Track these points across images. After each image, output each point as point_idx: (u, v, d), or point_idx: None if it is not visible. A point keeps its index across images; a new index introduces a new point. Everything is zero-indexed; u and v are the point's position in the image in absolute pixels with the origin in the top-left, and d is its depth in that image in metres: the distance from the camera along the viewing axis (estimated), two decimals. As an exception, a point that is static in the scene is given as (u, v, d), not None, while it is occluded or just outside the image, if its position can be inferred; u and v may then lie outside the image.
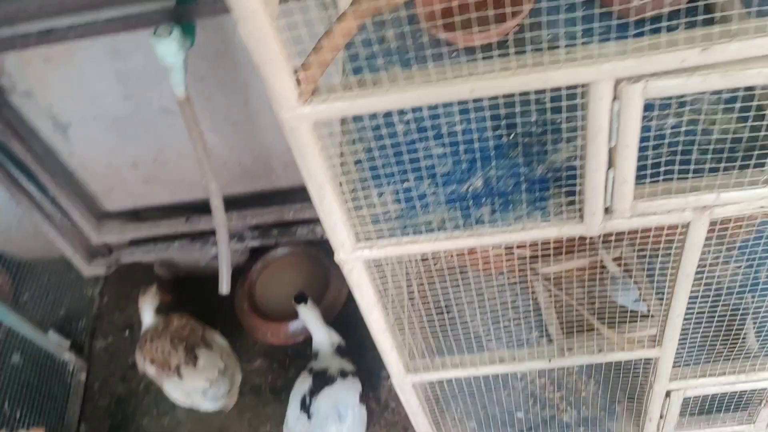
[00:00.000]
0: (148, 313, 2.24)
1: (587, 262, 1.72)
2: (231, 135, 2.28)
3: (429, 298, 1.67)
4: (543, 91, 1.10)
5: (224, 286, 2.18)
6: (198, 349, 2.15)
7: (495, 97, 0.96)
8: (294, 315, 2.29)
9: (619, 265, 1.70)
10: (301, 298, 2.06)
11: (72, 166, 2.40)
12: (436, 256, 1.83)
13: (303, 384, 2.02)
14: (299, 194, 2.53)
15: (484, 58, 0.86)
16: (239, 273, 2.51)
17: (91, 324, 2.67)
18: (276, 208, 2.45)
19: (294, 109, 0.88)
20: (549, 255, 1.81)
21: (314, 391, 1.98)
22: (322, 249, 2.52)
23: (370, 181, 1.13)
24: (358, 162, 1.13)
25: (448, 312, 1.61)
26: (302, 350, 2.37)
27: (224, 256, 2.11)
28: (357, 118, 1.13)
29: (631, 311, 1.59)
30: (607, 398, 1.83)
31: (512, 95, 1.01)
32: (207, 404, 2.18)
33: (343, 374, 2.02)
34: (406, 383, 1.52)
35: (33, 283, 2.71)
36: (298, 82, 0.86)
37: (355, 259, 1.15)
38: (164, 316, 2.24)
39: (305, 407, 1.96)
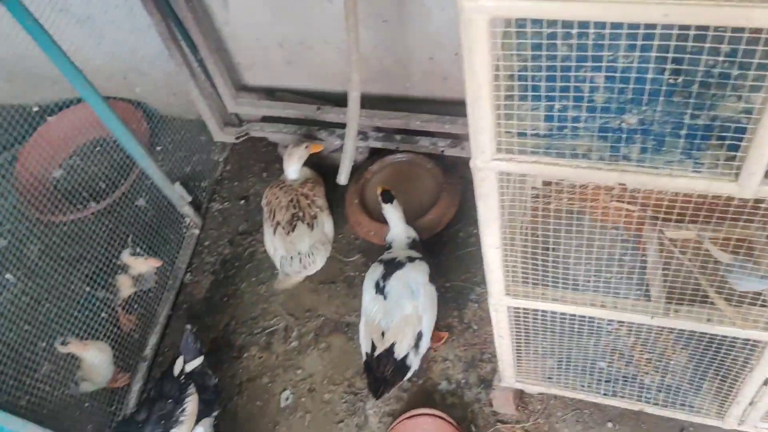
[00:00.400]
0: (293, 167, 2.43)
1: (720, 234, 1.64)
2: (379, 32, 2.29)
3: (540, 231, 1.66)
4: (723, 34, 1.03)
5: (343, 177, 2.26)
6: (300, 223, 2.32)
7: (668, 33, 0.91)
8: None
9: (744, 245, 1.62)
10: (388, 198, 2.19)
11: (224, 33, 2.50)
12: (558, 192, 1.81)
13: (375, 271, 2.16)
14: (429, 105, 2.54)
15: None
16: (355, 169, 2.57)
17: (211, 186, 2.84)
18: (404, 115, 2.47)
19: (477, 0, 0.88)
20: (670, 218, 1.75)
21: (386, 275, 2.11)
22: (439, 164, 2.54)
23: (524, 95, 1.12)
24: (514, 74, 1.12)
25: (554, 250, 1.60)
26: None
27: (349, 148, 2.17)
28: (520, 34, 1.10)
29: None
30: (696, 371, 1.79)
31: (686, 34, 0.95)
32: (277, 265, 2.39)
33: (411, 259, 2.15)
34: (502, 304, 1.55)
35: (167, 137, 2.90)
36: (489, -28, 0.85)
37: (490, 169, 1.16)
38: (306, 176, 2.45)
39: (380, 290, 2.10)
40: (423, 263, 2.15)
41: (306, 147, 2.42)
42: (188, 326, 2.10)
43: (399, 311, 2.04)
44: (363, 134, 2.53)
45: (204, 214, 2.77)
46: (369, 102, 2.53)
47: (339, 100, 2.63)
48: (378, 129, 2.58)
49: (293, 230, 2.34)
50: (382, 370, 1.99)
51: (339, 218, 2.54)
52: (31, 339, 2.49)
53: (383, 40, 2.33)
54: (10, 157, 2.97)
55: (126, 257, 2.47)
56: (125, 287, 2.48)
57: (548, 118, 1.12)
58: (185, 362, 2.07)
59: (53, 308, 2.58)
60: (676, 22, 0.84)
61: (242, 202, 2.80)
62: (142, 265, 2.48)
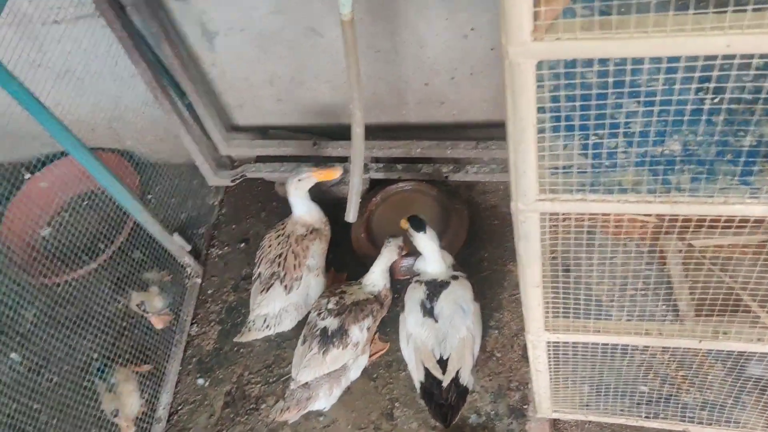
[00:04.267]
0: (295, 199, 2.28)
1: (756, 239, 1.60)
2: (372, 63, 2.24)
3: (559, 256, 1.61)
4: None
5: (351, 215, 2.19)
6: (278, 284, 2.24)
7: (713, 56, 0.86)
8: (412, 251, 2.30)
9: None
10: (419, 225, 2.06)
11: (211, 75, 2.43)
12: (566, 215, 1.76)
13: (416, 292, 2.09)
14: (427, 132, 2.49)
15: (735, 11, 0.77)
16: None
17: (209, 232, 2.75)
18: (404, 143, 2.42)
19: (524, 44, 0.83)
20: (700, 226, 1.70)
21: (432, 296, 2.05)
22: (443, 190, 2.48)
23: (570, 134, 1.07)
24: (560, 115, 1.07)
25: (571, 271, 1.55)
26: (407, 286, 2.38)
27: (356, 185, 2.11)
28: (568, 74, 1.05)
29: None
30: (736, 386, 1.74)
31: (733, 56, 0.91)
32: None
33: (454, 277, 2.10)
34: (541, 340, 1.49)
35: (159, 185, 2.81)
36: (537, 15, 0.80)
37: (533, 210, 1.10)
38: (313, 223, 2.31)
39: (428, 311, 2.03)
40: (466, 281, 2.10)
41: (307, 175, 2.23)
42: None
43: (456, 335, 1.98)
44: (363, 166, 2.46)
45: (204, 261, 2.68)
46: (366, 132, 2.47)
47: (334, 134, 2.57)
48: (377, 159, 2.52)
49: (267, 290, 2.25)
50: (447, 398, 1.94)
51: (347, 254, 2.47)
52: (33, 413, 2.37)
53: (377, 70, 2.27)
54: (-2, 216, 2.86)
55: (134, 299, 2.44)
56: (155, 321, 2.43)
57: (594, 155, 1.06)
58: None
59: (53, 377, 2.48)
60: (739, 52, 0.79)
61: (242, 245, 2.71)
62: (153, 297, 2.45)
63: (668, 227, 1.70)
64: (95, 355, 2.46)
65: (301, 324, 2.30)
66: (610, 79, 0.94)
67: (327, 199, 2.56)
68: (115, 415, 2.21)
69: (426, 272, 2.12)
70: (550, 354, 1.56)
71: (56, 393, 2.40)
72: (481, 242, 2.47)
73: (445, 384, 1.97)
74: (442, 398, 1.96)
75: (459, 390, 1.99)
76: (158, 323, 2.45)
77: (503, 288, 2.38)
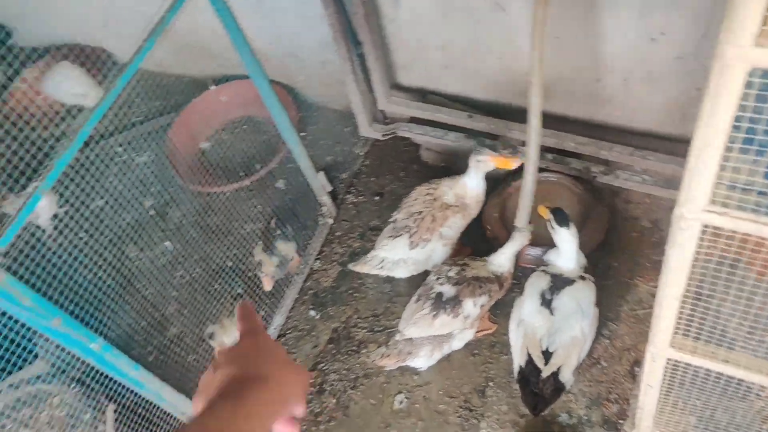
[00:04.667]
0: (474, 175, 2.27)
1: None
2: (548, 48, 2.22)
3: (708, 282, 1.55)
4: None
5: (522, 220, 2.23)
6: (404, 235, 2.29)
7: None
8: (539, 241, 2.30)
9: None
10: (563, 220, 2.03)
11: (388, 30, 2.51)
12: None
13: (539, 282, 2.10)
14: (585, 128, 2.45)
15: None
16: (498, 181, 2.53)
17: (349, 179, 2.87)
18: (558, 134, 2.40)
19: (742, 47, 0.82)
20: None
21: (554, 289, 2.06)
22: (588, 189, 2.45)
23: (752, 145, 1.04)
24: (756, 128, 1.04)
25: (706, 300, 1.49)
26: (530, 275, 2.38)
27: (527, 188, 2.14)
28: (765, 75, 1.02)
29: None
30: None
31: None
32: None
33: (582, 278, 2.09)
34: (662, 355, 1.46)
35: (314, 125, 2.96)
36: (765, 20, 0.79)
37: (696, 219, 1.09)
38: (473, 198, 2.31)
39: (546, 302, 2.05)
40: (592, 284, 2.09)
41: (485, 158, 2.21)
42: None
43: (569, 331, 1.99)
44: (512, 148, 2.47)
45: (339, 205, 2.81)
46: (523, 117, 2.47)
47: (491, 110, 2.59)
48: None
49: (394, 238, 2.30)
50: (541, 388, 1.96)
51: (476, 230, 2.49)
52: (168, 299, 2.62)
53: (551, 56, 2.24)
54: (166, 124, 3.13)
55: (258, 253, 2.53)
56: (267, 283, 2.54)
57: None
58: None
59: (186, 275, 2.72)
60: None
61: (377, 198, 2.82)
62: (270, 266, 2.54)
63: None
64: (229, 263, 2.66)
65: (413, 279, 2.37)
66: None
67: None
68: (211, 338, 2.35)
69: (555, 265, 2.11)
70: (667, 372, 1.52)
71: (185, 290, 2.64)
72: (613, 250, 2.42)
73: (544, 375, 1.97)
74: (537, 387, 1.97)
75: (556, 385, 1.99)
76: (268, 285, 2.54)
77: (625, 301, 2.33)
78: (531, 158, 2.11)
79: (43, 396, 2.03)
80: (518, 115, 2.42)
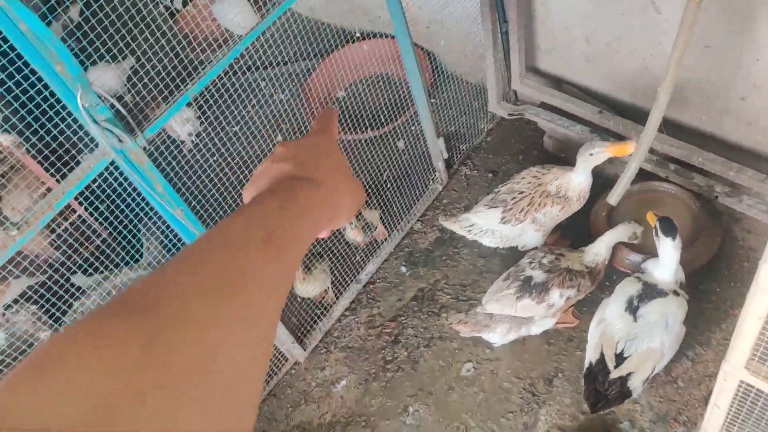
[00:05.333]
0: (583, 167, 2.26)
1: None
2: (696, 55, 2.16)
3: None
4: None
5: (614, 197, 2.20)
6: (502, 210, 2.33)
7: None
8: (640, 249, 2.27)
9: None
10: (670, 230, 1.99)
11: (537, 12, 2.52)
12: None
13: (630, 287, 2.08)
14: (716, 145, 2.36)
15: None
16: (610, 183, 2.49)
17: (468, 151, 2.93)
18: (686, 146, 2.33)
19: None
20: None
21: (644, 297, 2.03)
22: (706, 208, 2.36)
23: None
24: None
25: None
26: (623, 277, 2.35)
27: (632, 169, 2.09)
28: None
29: None
30: None
31: None
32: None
33: (675, 293, 2.04)
34: (735, 376, 1.44)
35: (445, 93, 3.04)
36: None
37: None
38: (577, 190, 2.31)
39: (632, 308, 2.03)
40: (685, 302, 2.04)
41: (599, 149, 2.17)
42: None
43: (648, 341, 1.97)
44: (647, 152, 2.42)
45: (452, 174, 2.88)
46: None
47: (622, 110, 2.55)
48: (652, 151, 2.46)
49: (490, 208, 2.35)
50: (607, 388, 1.97)
51: (582, 225, 2.48)
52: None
53: (697, 64, 2.19)
54: (307, 68, 3.32)
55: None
56: (354, 236, 2.65)
57: None
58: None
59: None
60: None
61: (490, 175, 2.86)
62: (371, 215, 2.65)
63: None
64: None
65: (506, 260, 2.42)
66: None
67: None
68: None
69: (651, 274, 2.08)
70: (737, 395, 1.50)
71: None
72: (719, 276, 2.34)
73: (612, 377, 1.97)
74: (603, 387, 1.97)
75: (622, 389, 1.97)
76: (357, 236, 2.62)
77: (719, 329, 2.25)
78: (642, 147, 2.07)
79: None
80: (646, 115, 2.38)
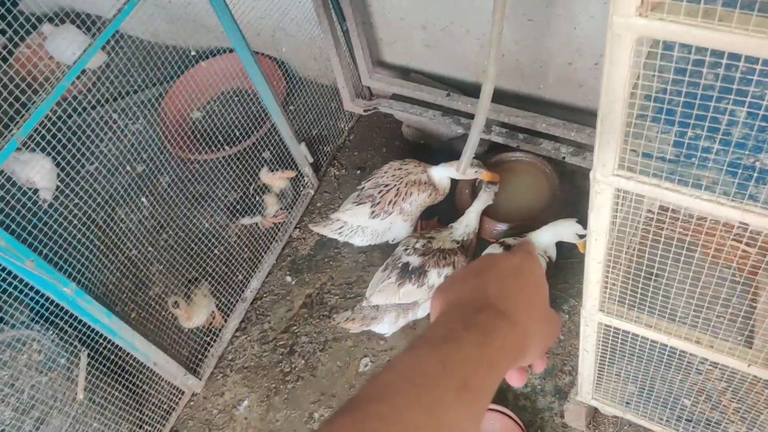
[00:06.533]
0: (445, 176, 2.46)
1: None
2: (522, 30, 2.30)
3: (646, 256, 1.63)
4: None
5: (462, 168, 2.30)
6: (367, 205, 2.39)
7: None
8: (504, 218, 2.39)
9: None
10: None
11: (372, 7, 2.59)
12: (673, 219, 1.76)
13: (493, 251, 2.21)
14: (557, 110, 2.52)
15: None
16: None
17: (333, 152, 2.96)
18: (531, 115, 2.47)
19: (627, 17, 0.89)
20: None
21: None
22: (558, 169, 2.52)
23: (657, 116, 1.12)
24: (651, 95, 1.12)
25: (657, 277, 1.57)
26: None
27: (472, 141, 2.20)
28: (668, 46, 1.10)
29: None
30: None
31: None
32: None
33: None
34: (593, 320, 1.55)
35: (301, 99, 3.05)
36: (646, -8, 0.86)
37: (608, 183, 1.17)
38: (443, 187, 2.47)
39: None
40: (543, 262, 2.22)
41: (476, 171, 2.38)
42: None
43: None
44: (486, 128, 2.55)
45: (321, 176, 2.90)
46: (498, 97, 2.53)
47: (469, 90, 2.66)
48: (503, 125, 2.59)
49: (358, 205, 2.41)
50: None
51: (449, 204, 2.57)
52: (151, 260, 2.73)
53: (524, 38, 2.33)
54: (158, 94, 3.23)
55: (264, 175, 2.67)
56: (271, 204, 2.68)
57: (677, 144, 1.11)
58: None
59: (172, 236, 2.82)
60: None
61: (358, 171, 2.90)
62: (279, 180, 2.66)
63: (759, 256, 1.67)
64: (206, 225, 2.76)
65: (388, 252, 2.46)
66: (704, 70, 0.98)
67: (446, 148, 2.69)
68: (176, 306, 2.37)
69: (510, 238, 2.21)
70: (600, 337, 1.61)
71: (168, 253, 2.74)
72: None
73: None
74: None
75: None
76: (266, 224, 2.68)
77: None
78: (479, 118, 2.17)
79: (25, 340, 2.14)
80: (496, 96, 2.49)
